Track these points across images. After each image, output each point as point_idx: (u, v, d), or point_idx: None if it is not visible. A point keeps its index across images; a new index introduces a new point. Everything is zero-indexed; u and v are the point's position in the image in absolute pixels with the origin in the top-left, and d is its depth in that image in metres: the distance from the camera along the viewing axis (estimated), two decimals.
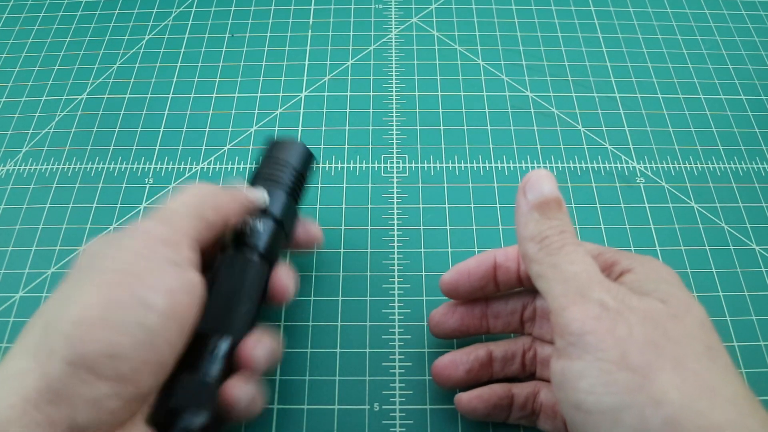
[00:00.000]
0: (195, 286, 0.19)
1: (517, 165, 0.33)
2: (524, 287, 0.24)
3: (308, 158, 0.26)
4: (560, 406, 0.19)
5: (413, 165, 0.33)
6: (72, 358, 0.16)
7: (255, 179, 0.25)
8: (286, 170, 0.25)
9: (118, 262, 0.19)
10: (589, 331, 0.17)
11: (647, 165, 0.33)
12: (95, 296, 0.18)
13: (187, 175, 0.33)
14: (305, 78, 0.37)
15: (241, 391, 0.20)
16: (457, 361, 0.24)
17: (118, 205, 0.31)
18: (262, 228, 0.23)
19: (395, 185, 0.32)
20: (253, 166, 0.23)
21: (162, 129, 0.35)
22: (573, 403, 0.17)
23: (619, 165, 0.33)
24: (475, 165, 0.33)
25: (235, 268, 0.22)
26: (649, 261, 0.20)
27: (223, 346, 0.20)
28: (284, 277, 0.23)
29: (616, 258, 0.20)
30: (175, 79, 0.37)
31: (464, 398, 0.23)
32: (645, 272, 0.19)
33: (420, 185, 0.32)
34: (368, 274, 0.29)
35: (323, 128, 0.34)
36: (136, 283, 0.18)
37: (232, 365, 0.20)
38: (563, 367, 0.18)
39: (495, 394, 0.23)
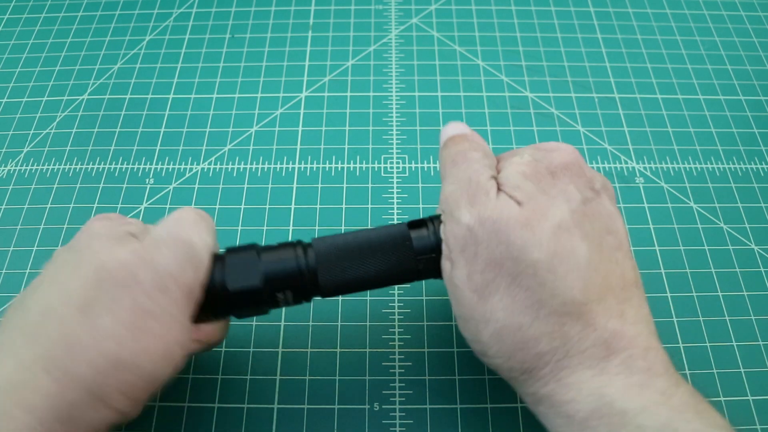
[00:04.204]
0: (197, 335, 0.22)
1: None
2: None
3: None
4: None
5: (413, 165, 0.33)
6: (96, 391, 0.17)
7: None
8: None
9: (155, 302, 0.18)
10: (451, 250, 0.20)
11: (646, 165, 0.33)
12: (129, 335, 0.18)
13: (187, 175, 0.33)
14: (305, 78, 0.37)
15: None
16: None
17: (119, 206, 0.32)
18: None
19: (395, 185, 0.32)
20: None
21: (162, 129, 0.35)
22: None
23: (618, 165, 0.33)
24: None
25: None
26: (548, 152, 0.21)
27: None
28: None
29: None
30: (175, 80, 0.37)
31: None
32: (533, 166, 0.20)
33: (420, 185, 0.32)
34: None
35: (323, 128, 0.34)
36: (167, 334, 0.19)
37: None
38: (445, 277, 0.20)
39: None
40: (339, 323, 0.28)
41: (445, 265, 0.20)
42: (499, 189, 0.20)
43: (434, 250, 0.21)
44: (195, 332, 0.21)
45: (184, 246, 0.20)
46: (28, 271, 0.30)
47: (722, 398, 0.26)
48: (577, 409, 0.18)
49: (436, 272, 0.21)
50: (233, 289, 0.20)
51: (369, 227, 0.22)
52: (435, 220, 0.22)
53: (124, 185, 0.32)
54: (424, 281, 0.29)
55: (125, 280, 0.18)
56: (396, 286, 0.29)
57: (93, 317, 0.18)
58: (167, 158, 0.33)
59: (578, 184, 0.20)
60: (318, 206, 0.31)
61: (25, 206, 0.32)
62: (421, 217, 0.22)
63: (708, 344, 0.27)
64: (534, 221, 0.19)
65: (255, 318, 0.28)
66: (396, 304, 0.28)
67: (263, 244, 0.22)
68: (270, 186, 0.32)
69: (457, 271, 0.19)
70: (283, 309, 0.28)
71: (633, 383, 0.17)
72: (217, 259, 0.21)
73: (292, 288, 0.21)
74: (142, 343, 0.18)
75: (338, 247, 0.21)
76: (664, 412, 0.17)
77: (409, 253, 0.21)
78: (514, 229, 0.18)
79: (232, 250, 0.22)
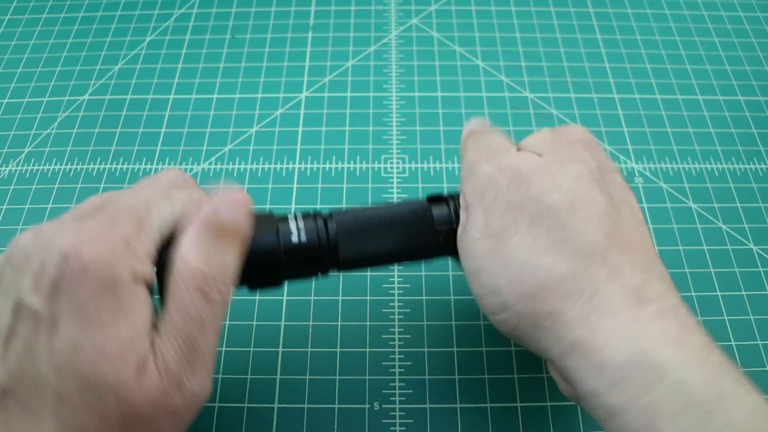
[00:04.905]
0: None
1: None
2: None
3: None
4: None
5: (413, 165, 0.33)
6: None
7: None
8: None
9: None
10: (469, 202, 0.19)
11: (646, 165, 0.33)
12: None
13: None
14: (306, 79, 0.37)
15: None
16: None
17: None
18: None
19: (395, 185, 0.32)
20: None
21: (163, 130, 0.35)
22: (462, 265, 0.20)
23: (617, 165, 0.33)
24: None
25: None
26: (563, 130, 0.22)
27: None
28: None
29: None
30: (176, 80, 0.37)
31: None
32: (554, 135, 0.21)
33: (420, 185, 0.32)
34: (368, 273, 0.29)
35: (323, 129, 0.34)
36: None
37: None
38: (458, 233, 0.20)
39: None
40: (339, 323, 0.28)
41: (462, 216, 0.20)
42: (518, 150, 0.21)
43: (454, 221, 0.21)
44: None
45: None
46: None
47: None
48: (611, 356, 0.16)
49: (455, 246, 0.21)
50: (251, 249, 0.19)
51: (387, 203, 0.22)
52: (455, 197, 0.22)
53: (125, 185, 0.32)
54: (423, 280, 0.29)
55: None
56: (396, 286, 0.29)
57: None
58: (168, 158, 0.33)
59: (593, 156, 0.20)
60: (318, 206, 0.31)
61: (26, 206, 0.32)
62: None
63: None
64: (554, 169, 0.19)
65: (255, 318, 0.28)
66: (396, 304, 0.28)
67: None
68: (270, 186, 0.32)
69: (474, 222, 0.19)
70: (284, 309, 0.28)
71: (672, 333, 0.16)
72: None
73: (311, 258, 0.21)
74: None
75: (359, 220, 0.21)
76: (706, 369, 0.15)
77: (430, 225, 0.21)
78: (534, 174, 0.19)
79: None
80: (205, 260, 0.17)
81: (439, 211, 0.22)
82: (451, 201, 0.22)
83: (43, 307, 0.15)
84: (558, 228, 0.18)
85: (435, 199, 0.22)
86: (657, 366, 0.15)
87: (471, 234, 0.19)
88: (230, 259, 0.18)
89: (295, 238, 0.20)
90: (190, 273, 0.17)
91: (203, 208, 0.18)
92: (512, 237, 0.18)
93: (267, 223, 0.20)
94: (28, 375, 0.15)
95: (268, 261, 0.20)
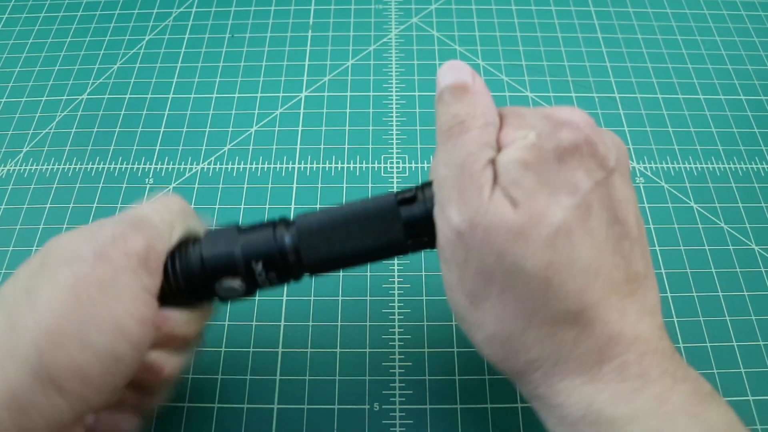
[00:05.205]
0: (156, 320, 0.19)
1: None
2: None
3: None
4: None
5: (413, 165, 0.33)
6: (39, 369, 0.16)
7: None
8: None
9: (95, 270, 0.18)
10: (442, 245, 0.19)
11: (647, 165, 0.33)
12: (70, 305, 0.17)
13: (187, 175, 0.33)
14: (305, 78, 0.37)
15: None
16: None
17: (119, 205, 0.32)
18: None
19: (395, 185, 0.32)
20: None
21: (162, 129, 0.35)
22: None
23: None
24: None
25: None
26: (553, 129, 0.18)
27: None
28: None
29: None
30: (175, 80, 0.37)
31: None
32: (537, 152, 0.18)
33: None
34: (368, 274, 0.29)
35: (323, 128, 0.34)
36: (115, 303, 0.18)
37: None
38: (442, 266, 0.20)
39: None
40: (339, 323, 0.28)
41: (443, 268, 0.20)
42: (495, 181, 0.18)
43: (424, 231, 0.20)
44: (159, 316, 0.19)
45: (128, 216, 0.20)
46: None
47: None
48: (567, 413, 0.18)
49: (427, 245, 0.20)
50: (208, 255, 0.20)
51: (357, 200, 0.21)
52: (426, 188, 0.20)
53: (124, 185, 0.32)
54: (423, 280, 0.29)
55: (66, 256, 0.18)
56: (396, 286, 0.29)
57: (33, 295, 0.17)
58: (167, 158, 0.33)
59: (588, 167, 0.18)
60: (318, 206, 0.31)
61: (25, 206, 0.32)
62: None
63: (708, 344, 0.27)
64: (529, 228, 0.17)
65: (255, 318, 0.28)
66: (396, 305, 0.28)
67: None
68: (270, 186, 0.32)
69: (450, 274, 0.19)
70: (284, 309, 0.28)
71: (624, 390, 0.17)
72: (197, 239, 0.21)
73: (274, 265, 0.20)
74: (84, 315, 0.17)
75: (322, 223, 0.20)
76: (653, 421, 0.16)
77: (399, 233, 0.20)
78: (506, 240, 0.17)
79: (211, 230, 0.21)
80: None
81: (409, 216, 0.20)
82: (420, 194, 0.20)
83: None
84: (529, 298, 0.17)
85: (405, 201, 0.20)
86: (609, 422, 0.17)
87: (449, 286, 0.19)
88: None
89: (256, 246, 0.20)
90: None
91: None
92: (484, 303, 0.18)
93: (228, 233, 0.21)
94: None
95: (231, 270, 0.20)
